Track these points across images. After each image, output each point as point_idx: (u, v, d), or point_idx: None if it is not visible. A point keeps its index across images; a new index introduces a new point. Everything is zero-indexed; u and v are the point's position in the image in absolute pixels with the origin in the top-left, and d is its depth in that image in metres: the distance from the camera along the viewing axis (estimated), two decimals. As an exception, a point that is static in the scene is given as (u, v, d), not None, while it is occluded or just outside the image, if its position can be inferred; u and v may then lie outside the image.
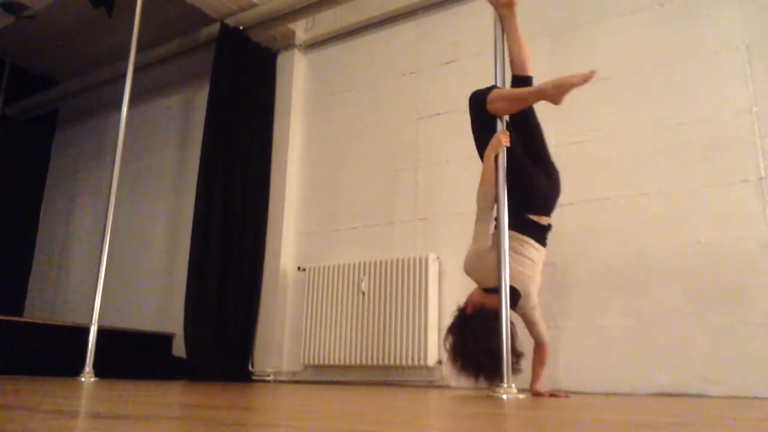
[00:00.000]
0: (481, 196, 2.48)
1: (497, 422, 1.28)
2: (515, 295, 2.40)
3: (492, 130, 2.50)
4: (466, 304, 2.53)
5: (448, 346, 2.48)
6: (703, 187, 3.06)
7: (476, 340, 2.36)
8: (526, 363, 2.49)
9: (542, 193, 2.57)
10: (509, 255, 2.35)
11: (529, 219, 2.52)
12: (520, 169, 2.50)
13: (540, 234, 2.54)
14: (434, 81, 4.09)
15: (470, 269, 2.50)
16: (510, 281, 2.32)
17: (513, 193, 2.42)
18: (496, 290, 2.31)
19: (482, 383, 2.40)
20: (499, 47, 2.66)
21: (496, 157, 2.44)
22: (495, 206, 2.44)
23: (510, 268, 2.33)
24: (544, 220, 2.56)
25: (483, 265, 2.43)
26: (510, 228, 2.38)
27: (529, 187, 2.54)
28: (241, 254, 4.29)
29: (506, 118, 2.55)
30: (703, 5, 3.27)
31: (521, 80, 2.63)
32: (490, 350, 2.27)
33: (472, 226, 2.51)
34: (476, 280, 2.52)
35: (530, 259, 2.48)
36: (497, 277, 2.31)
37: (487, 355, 2.29)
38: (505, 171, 2.44)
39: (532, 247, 2.49)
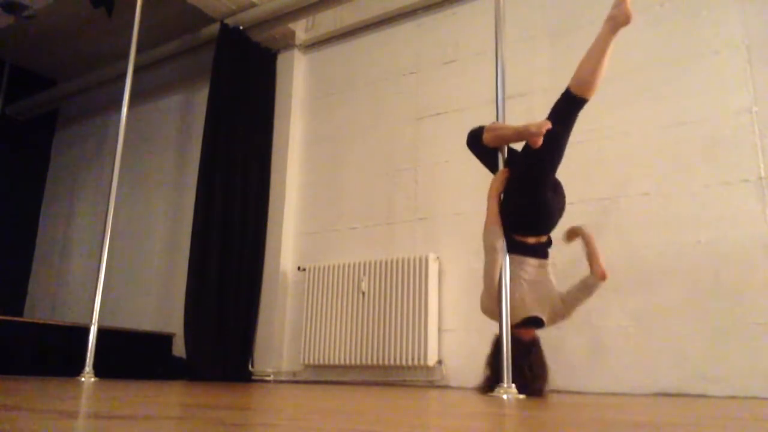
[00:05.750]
0: (486, 234, 2.47)
1: (497, 422, 1.28)
2: (539, 322, 2.47)
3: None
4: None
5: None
6: (703, 187, 3.06)
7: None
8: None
9: (543, 213, 2.50)
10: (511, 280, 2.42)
11: (513, 239, 2.47)
12: (523, 191, 2.49)
13: (533, 251, 2.50)
14: (434, 81, 4.09)
15: (484, 309, 2.55)
16: (519, 310, 2.41)
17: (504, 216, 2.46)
18: (519, 324, 2.43)
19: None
20: (499, 47, 2.66)
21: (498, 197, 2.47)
22: (503, 245, 2.42)
23: (512, 293, 2.39)
24: (531, 240, 2.50)
25: (493, 303, 2.44)
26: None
27: (525, 209, 2.50)
28: (241, 254, 4.29)
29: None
30: (703, 5, 3.26)
31: (574, 101, 2.48)
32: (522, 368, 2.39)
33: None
34: (492, 318, 2.53)
35: (527, 279, 2.46)
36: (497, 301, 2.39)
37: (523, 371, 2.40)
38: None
39: (528, 265, 2.47)
